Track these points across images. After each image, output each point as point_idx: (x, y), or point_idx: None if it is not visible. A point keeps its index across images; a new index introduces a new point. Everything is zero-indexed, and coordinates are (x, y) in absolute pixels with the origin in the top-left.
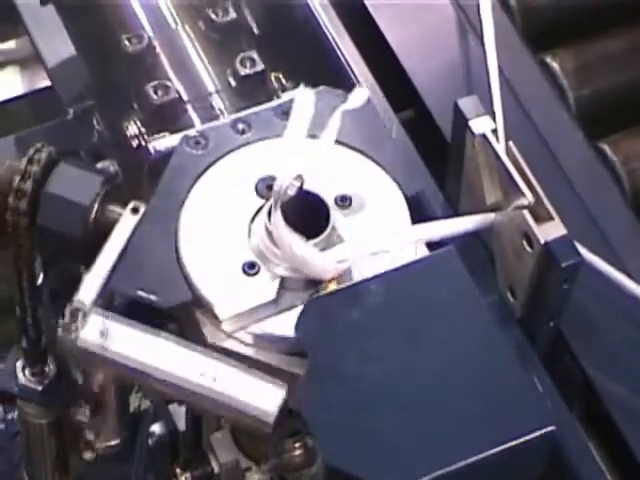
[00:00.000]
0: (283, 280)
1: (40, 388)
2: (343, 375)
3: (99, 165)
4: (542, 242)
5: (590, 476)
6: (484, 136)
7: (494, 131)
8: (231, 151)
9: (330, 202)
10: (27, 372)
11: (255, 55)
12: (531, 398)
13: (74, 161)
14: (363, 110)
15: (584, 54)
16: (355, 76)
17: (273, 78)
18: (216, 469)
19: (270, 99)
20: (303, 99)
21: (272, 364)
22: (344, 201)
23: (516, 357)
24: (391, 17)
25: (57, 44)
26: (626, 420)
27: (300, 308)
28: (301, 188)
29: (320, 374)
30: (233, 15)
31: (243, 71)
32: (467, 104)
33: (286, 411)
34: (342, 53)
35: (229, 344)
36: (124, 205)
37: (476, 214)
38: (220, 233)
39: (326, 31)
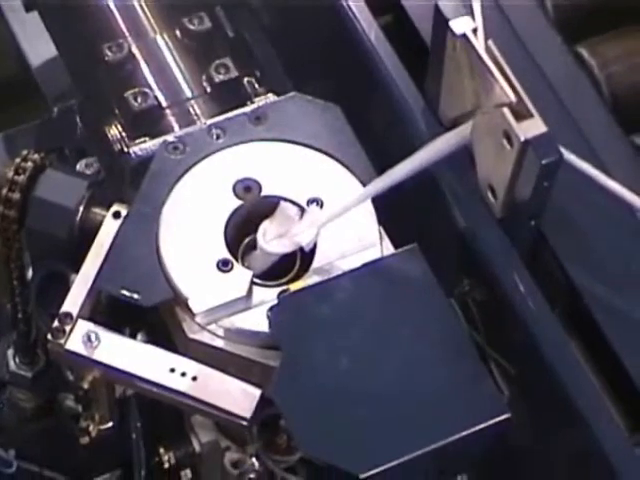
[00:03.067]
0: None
1: (30, 375)
2: (314, 367)
3: (83, 162)
4: (522, 139)
5: (571, 374)
6: (465, 36)
7: (474, 31)
8: (207, 155)
9: (303, 204)
10: (17, 360)
11: (229, 62)
12: (488, 389)
13: (60, 166)
14: (330, 114)
15: None
16: None
17: (246, 83)
18: (197, 449)
19: (244, 104)
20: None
21: (247, 356)
22: (316, 203)
23: (473, 350)
24: None
25: (41, 45)
26: (607, 318)
27: (269, 304)
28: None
29: (293, 366)
30: (208, 24)
31: (217, 77)
32: (447, 5)
33: (262, 405)
34: None
35: (205, 337)
36: (107, 206)
37: (449, 131)
38: (198, 233)
39: None
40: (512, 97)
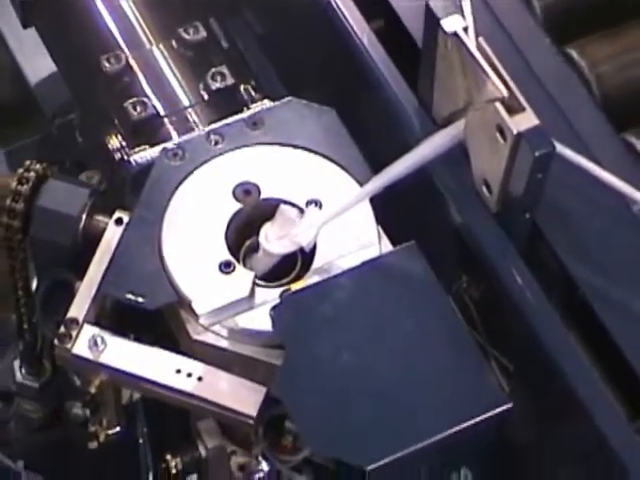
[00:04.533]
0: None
1: (37, 385)
2: (318, 363)
3: (83, 175)
4: (515, 133)
5: (570, 364)
6: (456, 34)
7: (465, 29)
8: (206, 161)
9: (302, 206)
10: (24, 370)
11: (225, 70)
12: (489, 380)
13: (62, 176)
14: (325, 118)
15: None
16: None
17: (243, 90)
18: (203, 454)
19: (241, 110)
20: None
21: (251, 355)
22: (315, 205)
23: (474, 343)
24: None
25: (39, 61)
26: (605, 307)
27: (272, 304)
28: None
29: (297, 363)
30: (203, 33)
31: (214, 85)
32: (438, 5)
33: (267, 403)
34: None
35: (209, 338)
36: (110, 214)
37: (443, 128)
38: (200, 236)
39: None
40: (504, 92)
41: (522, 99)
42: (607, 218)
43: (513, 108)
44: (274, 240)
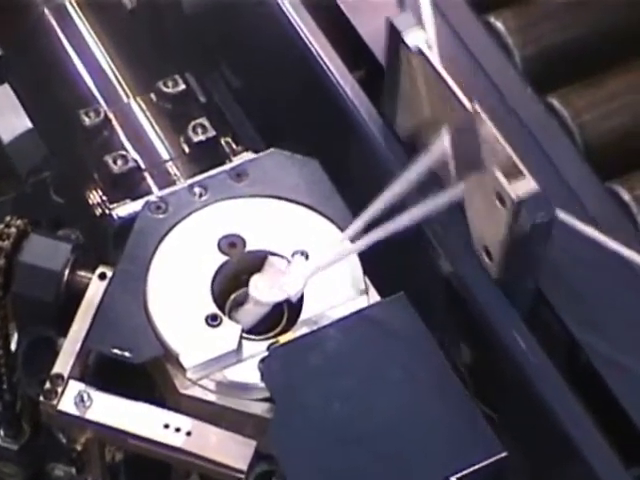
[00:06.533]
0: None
1: (16, 447)
2: (309, 416)
3: (60, 232)
4: (515, 199)
5: (577, 427)
6: (419, 49)
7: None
8: (190, 214)
9: (288, 257)
10: (2, 433)
11: (206, 122)
12: (482, 430)
13: (43, 231)
14: (308, 168)
15: (527, 12)
16: (309, 40)
17: (224, 143)
18: None
19: (222, 163)
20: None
21: (240, 409)
22: (301, 255)
23: (465, 393)
24: None
25: (12, 120)
26: (609, 371)
27: (260, 357)
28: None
29: (288, 417)
30: (182, 86)
31: (196, 138)
32: (401, 22)
33: (256, 458)
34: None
35: (197, 392)
36: (92, 269)
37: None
38: (185, 289)
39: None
40: (470, 107)
41: (520, 164)
42: (608, 281)
43: (511, 174)
44: (265, 289)
